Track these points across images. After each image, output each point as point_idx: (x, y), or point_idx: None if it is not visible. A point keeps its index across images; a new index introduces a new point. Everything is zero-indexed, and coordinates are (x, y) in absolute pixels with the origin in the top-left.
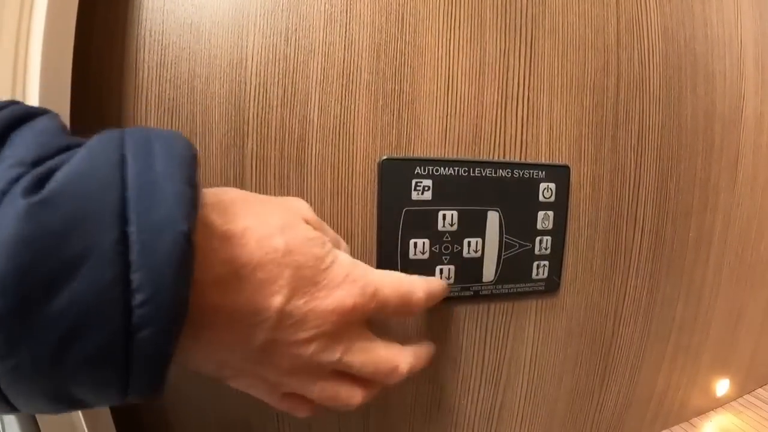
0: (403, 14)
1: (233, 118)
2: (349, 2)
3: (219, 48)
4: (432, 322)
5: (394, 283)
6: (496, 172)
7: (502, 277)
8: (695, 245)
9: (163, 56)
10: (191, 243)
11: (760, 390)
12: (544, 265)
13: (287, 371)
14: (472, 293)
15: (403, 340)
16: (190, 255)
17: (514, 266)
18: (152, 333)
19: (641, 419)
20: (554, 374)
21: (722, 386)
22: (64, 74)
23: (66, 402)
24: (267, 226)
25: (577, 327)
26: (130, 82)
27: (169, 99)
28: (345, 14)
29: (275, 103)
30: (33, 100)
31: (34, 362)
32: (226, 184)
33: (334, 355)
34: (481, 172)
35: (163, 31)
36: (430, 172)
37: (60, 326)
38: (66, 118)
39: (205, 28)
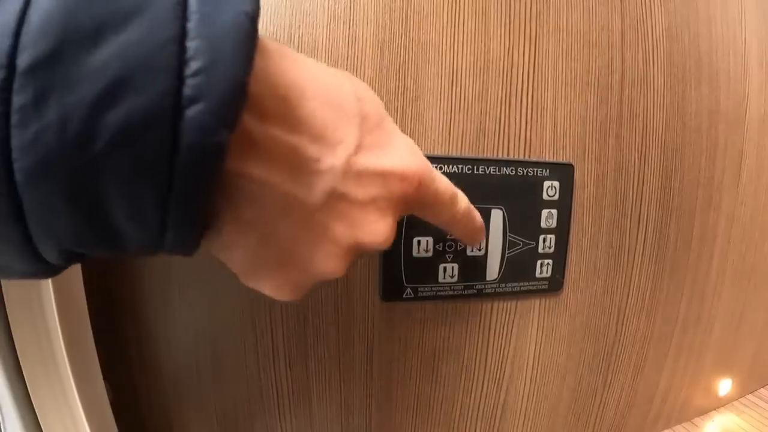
0: (407, 10)
1: None
2: None
3: None
4: (435, 320)
5: (445, 179)
6: (499, 170)
7: (505, 275)
8: (699, 244)
9: None
10: (254, 24)
11: (762, 390)
12: (548, 264)
13: (343, 233)
14: (475, 291)
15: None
16: (252, 35)
17: (518, 265)
18: (205, 109)
19: (643, 418)
20: (557, 373)
21: (724, 386)
22: None
23: (95, 221)
24: (330, 71)
25: (581, 326)
26: None
27: None
28: (349, 11)
29: None
30: None
31: (61, 127)
32: None
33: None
34: (484, 170)
35: None
36: None
37: (101, 78)
38: None
39: None
